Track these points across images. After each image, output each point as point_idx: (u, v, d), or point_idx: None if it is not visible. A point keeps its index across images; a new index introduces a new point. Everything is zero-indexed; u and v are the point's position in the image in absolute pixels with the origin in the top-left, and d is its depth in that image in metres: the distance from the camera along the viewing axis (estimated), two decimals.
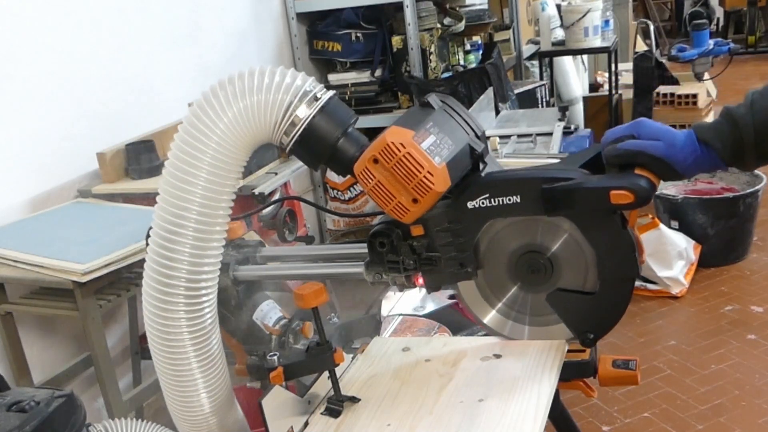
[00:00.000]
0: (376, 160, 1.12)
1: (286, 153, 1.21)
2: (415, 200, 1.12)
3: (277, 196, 2.55)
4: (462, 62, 4.59)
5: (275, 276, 1.42)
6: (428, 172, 1.10)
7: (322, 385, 1.32)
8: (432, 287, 1.27)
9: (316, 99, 1.19)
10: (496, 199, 1.18)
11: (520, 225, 1.24)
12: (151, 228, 1.22)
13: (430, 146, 1.12)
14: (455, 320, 1.70)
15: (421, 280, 1.28)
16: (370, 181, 1.14)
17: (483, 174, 1.21)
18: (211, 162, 1.18)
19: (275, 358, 1.27)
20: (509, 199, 1.18)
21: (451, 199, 1.21)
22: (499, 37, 5.11)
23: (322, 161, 1.22)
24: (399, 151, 1.10)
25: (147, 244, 1.23)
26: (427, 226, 1.21)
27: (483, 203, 1.18)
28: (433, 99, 1.20)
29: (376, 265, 1.25)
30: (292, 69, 1.22)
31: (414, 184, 1.11)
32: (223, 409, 1.30)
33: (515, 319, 1.36)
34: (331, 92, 1.22)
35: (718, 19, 10.18)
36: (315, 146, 1.20)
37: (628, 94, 5.69)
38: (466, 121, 1.22)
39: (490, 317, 1.36)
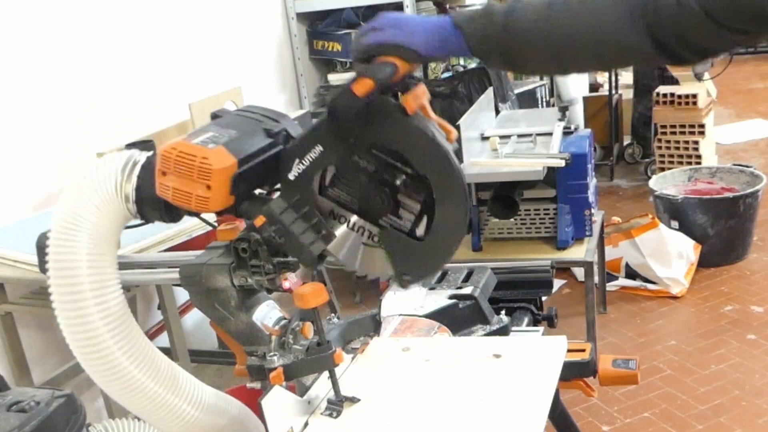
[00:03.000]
0: (163, 173, 1.20)
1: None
2: (208, 186, 1.18)
3: None
4: (462, 62, 4.59)
5: None
6: (202, 157, 1.17)
7: (322, 386, 1.32)
8: (308, 265, 1.30)
9: (133, 169, 1.29)
10: (305, 159, 1.24)
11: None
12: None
13: (203, 140, 1.20)
14: (455, 320, 1.70)
15: (286, 283, 1.32)
16: (168, 191, 1.21)
17: (288, 147, 1.28)
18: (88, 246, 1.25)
19: (275, 358, 1.27)
20: (314, 153, 1.23)
21: (280, 184, 1.27)
22: None
23: (162, 213, 1.31)
24: (171, 153, 1.19)
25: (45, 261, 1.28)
26: (271, 214, 1.25)
27: (299, 169, 1.25)
28: (222, 110, 1.30)
29: (241, 269, 1.29)
30: (115, 153, 1.29)
31: (196, 173, 1.18)
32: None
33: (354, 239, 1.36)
34: (144, 156, 1.30)
35: None
36: (152, 206, 1.30)
37: (628, 94, 5.70)
38: (262, 114, 1.30)
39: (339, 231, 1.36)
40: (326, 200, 1.28)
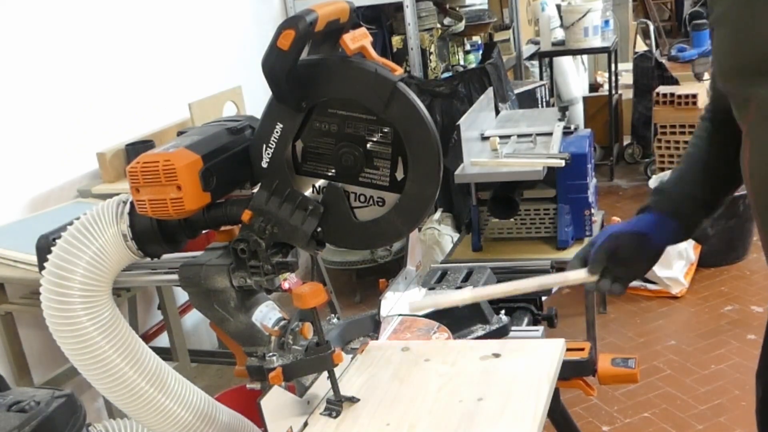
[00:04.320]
0: (136, 189, 1.21)
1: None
2: (178, 187, 1.19)
3: None
4: (462, 62, 4.59)
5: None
6: (165, 160, 1.18)
7: (322, 386, 1.32)
8: (305, 245, 1.30)
9: (123, 209, 1.30)
10: (270, 141, 1.25)
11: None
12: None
13: (165, 148, 1.23)
14: (455, 320, 1.70)
15: (285, 284, 1.32)
16: (145, 206, 1.21)
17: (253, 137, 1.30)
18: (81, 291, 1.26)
19: (274, 358, 1.27)
20: (276, 132, 1.24)
21: (257, 176, 1.28)
22: (499, 37, 5.11)
23: (161, 242, 1.32)
24: (136, 167, 1.21)
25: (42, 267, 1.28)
26: (256, 206, 1.27)
27: (268, 154, 1.26)
28: (187, 128, 1.29)
29: (240, 270, 1.30)
30: (102, 203, 1.30)
31: (162, 176, 1.19)
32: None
33: None
34: (130, 196, 1.30)
35: None
36: (149, 238, 1.31)
37: (628, 94, 5.70)
38: (224, 120, 1.34)
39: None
40: (305, 177, 1.28)
